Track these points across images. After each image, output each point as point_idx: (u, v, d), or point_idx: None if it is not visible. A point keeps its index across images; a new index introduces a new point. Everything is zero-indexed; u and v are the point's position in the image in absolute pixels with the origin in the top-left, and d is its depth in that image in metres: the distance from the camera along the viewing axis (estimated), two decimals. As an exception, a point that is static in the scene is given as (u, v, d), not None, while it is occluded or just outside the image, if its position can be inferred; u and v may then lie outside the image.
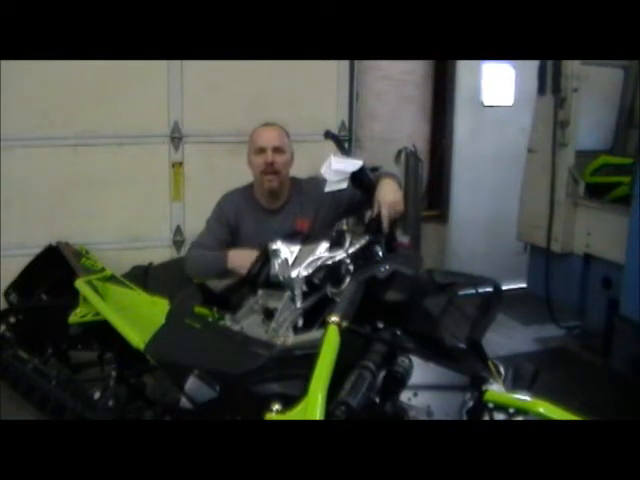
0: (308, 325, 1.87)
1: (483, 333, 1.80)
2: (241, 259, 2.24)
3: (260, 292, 1.99)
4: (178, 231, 3.58)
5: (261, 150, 2.45)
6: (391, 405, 1.56)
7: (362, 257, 1.93)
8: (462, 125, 4.55)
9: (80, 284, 2.56)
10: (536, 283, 3.92)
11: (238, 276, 2.27)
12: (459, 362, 1.68)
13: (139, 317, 2.24)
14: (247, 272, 2.07)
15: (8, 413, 2.58)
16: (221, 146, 3.54)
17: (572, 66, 3.53)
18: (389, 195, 2.16)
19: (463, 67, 4.43)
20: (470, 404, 1.61)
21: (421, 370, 1.62)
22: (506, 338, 3.84)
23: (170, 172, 3.53)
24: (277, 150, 2.45)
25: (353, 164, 2.12)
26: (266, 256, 1.99)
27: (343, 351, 1.49)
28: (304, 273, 1.89)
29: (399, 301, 1.75)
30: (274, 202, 2.52)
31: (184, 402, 1.80)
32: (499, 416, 1.54)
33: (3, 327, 2.84)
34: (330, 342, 1.50)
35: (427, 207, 4.59)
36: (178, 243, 3.58)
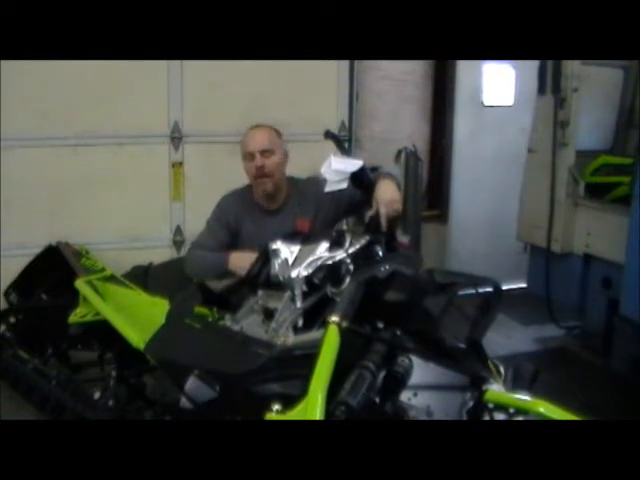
0: (308, 325, 1.87)
1: (483, 333, 1.79)
2: (241, 261, 2.24)
3: (260, 292, 2.00)
4: (178, 231, 3.58)
5: (250, 155, 2.44)
6: (391, 405, 1.56)
7: (362, 257, 1.93)
8: (462, 125, 4.55)
9: (80, 284, 2.56)
10: (536, 283, 3.91)
11: (238, 276, 2.27)
12: (459, 362, 1.68)
13: (139, 317, 2.25)
14: (247, 273, 2.08)
15: (8, 413, 2.58)
16: (221, 146, 3.53)
17: (572, 66, 3.53)
18: (387, 194, 2.16)
19: (463, 67, 4.43)
20: (470, 404, 1.61)
21: (421, 370, 1.62)
22: (506, 338, 3.84)
23: (170, 172, 3.53)
24: (266, 153, 2.42)
25: (353, 164, 2.12)
26: (266, 256, 1.99)
27: (343, 351, 1.49)
28: (304, 273, 1.89)
29: (399, 301, 1.75)
30: (272, 203, 2.52)
31: (184, 402, 1.80)
32: (499, 416, 1.54)
33: (3, 327, 2.84)
34: (330, 342, 1.50)
35: (427, 207, 4.59)
36: (178, 243, 3.58)
